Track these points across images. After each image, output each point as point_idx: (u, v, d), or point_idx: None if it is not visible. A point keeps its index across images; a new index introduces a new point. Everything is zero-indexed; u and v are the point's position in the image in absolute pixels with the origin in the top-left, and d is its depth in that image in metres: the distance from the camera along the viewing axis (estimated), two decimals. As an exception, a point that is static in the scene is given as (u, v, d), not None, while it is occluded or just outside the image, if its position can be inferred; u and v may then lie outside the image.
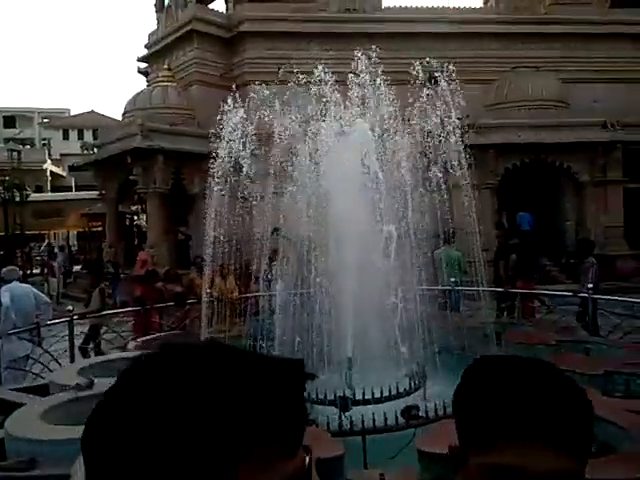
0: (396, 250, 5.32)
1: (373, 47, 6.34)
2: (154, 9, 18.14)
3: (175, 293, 8.06)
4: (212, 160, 6.16)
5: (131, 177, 16.98)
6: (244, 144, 6.14)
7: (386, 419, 3.57)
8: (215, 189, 6.21)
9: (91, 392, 4.14)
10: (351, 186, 5.41)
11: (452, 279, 7.80)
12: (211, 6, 18.67)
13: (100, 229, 23.08)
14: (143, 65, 19.90)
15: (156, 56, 18.39)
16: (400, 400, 4.29)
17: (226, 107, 6.05)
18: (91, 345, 7.14)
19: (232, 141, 5.92)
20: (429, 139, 6.64)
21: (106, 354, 6.58)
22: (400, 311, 5.10)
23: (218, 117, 6.21)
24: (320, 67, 6.26)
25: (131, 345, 5.81)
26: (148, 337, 6.40)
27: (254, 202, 8.66)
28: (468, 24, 17.89)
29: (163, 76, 16.97)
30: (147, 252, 15.39)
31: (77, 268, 23.04)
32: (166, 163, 15.71)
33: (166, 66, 17.14)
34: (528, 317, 7.25)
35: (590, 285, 6.90)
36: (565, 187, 17.52)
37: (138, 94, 17.19)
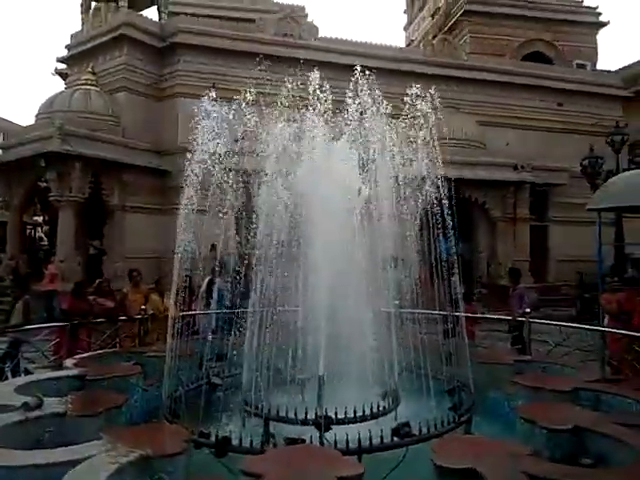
0: (362, 270, 5.31)
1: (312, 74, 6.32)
2: (79, 9, 17.16)
3: (106, 308, 7.39)
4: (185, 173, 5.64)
5: (41, 184, 15.66)
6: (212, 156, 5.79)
7: (382, 437, 3.44)
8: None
9: (41, 412, 3.61)
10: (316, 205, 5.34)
11: (395, 301, 7.89)
12: (143, 13, 18.04)
13: (-4, 239, 20.85)
14: (61, 66, 18.65)
15: (78, 58, 17.31)
16: (373, 421, 4.18)
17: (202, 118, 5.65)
18: (8, 364, 6.29)
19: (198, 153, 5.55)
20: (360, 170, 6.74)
21: (31, 373, 5.84)
22: (367, 330, 5.05)
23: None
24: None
25: (68, 362, 5.16)
26: (83, 355, 5.77)
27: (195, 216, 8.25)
28: (396, 62, 18.77)
29: (86, 79, 15.97)
30: (57, 266, 14.16)
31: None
32: (84, 170, 14.67)
33: (90, 69, 16.17)
34: (470, 340, 7.47)
35: (528, 310, 7.31)
36: (479, 221, 18.70)
37: (56, 95, 16.00)
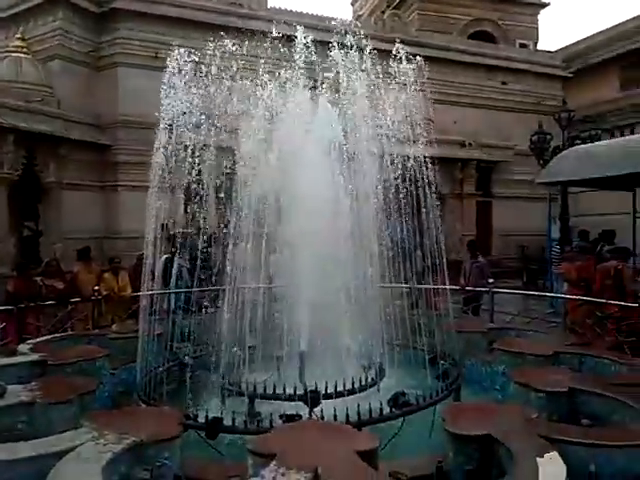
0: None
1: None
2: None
3: (55, 290, 6.84)
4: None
5: (-33, 159, 14.34)
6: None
7: (381, 409, 3.33)
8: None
9: (5, 402, 3.25)
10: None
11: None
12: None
13: None
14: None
15: (6, 22, 15.89)
16: (360, 394, 4.07)
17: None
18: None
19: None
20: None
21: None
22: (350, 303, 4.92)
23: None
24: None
25: (23, 348, 4.71)
26: (39, 339, 5.31)
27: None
28: (347, 36, 18.49)
29: (15, 46, 14.67)
30: (-10, 247, 13.11)
31: None
32: (17, 145, 13.56)
33: (19, 35, 14.87)
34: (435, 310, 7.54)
35: (491, 280, 7.44)
36: (427, 198, 18.97)
37: (-18, 63, 14.62)
